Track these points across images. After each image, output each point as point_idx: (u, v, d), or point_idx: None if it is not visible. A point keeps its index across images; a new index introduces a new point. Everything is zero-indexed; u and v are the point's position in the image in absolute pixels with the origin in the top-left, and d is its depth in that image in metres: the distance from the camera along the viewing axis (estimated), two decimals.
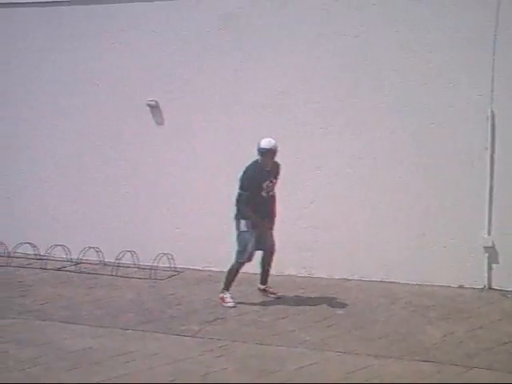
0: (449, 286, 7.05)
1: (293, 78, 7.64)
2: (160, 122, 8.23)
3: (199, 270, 7.86)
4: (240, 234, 6.39)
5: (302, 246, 7.68)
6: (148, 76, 8.20)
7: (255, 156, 7.60)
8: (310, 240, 7.66)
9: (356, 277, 7.45)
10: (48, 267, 7.80)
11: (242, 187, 6.32)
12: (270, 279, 6.91)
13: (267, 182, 6.33)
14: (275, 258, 7.65)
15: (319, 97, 7.54)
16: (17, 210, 8.76)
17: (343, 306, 6.39)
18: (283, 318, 5.95)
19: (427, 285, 7.11)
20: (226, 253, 7.81)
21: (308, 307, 6.32)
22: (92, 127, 8.46)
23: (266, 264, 6.71)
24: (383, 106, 7.36)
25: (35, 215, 8.55)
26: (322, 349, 5.10)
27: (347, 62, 7.45)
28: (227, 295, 6.39)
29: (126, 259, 7.87)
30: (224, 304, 6.32)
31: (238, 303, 6.44)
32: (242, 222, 6.37)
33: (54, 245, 8.02)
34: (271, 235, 6.57)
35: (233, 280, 6.49)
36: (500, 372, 4.61)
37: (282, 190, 7.64)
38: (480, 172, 7.04)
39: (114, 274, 7.54)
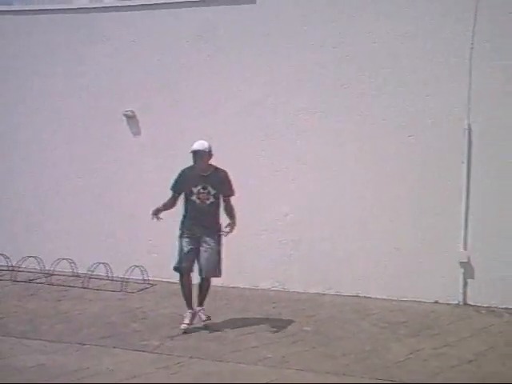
0: (424, 302, 6.91)
1: (269, 87, 7.58)
2: (137, 132, 8.17)
3: (172, 283, 7.70)
4: None
5: (277, 260, 7.58)
6: (126, 86, 8.16)
7: (234, 164, 7.59)
8: (285, 253, 7.56)
9: (332, 291, 7.33)
10: (19, 279, 7.70)
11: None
12: (236, 293, 6.78)
13: (199, 188, 5.97)
14: (249, 270, 7.63)
15: (294, 107, 7.47)
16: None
17: (312, 321, 6.25)
18: (248, 334, 5.80)
19: (402, 300, 6.98)
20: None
21: (276, 323, 6.17)
22: (69, 136, 8.41)
23: (199, 288, 6.15)
24: (359, 117, 7.27)
25: (8, 225, 8.46)
26: (281, 366, 4.95)
27: (325, 72, 7.38)
28: (186, 314, 6.01)
29: (100, 271, 7.78)
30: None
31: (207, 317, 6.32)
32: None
33: (26, 256, 7.92)
34: (210, 255, 5.94)
35: (184, 295, 6.05)
36: None
37: (256, 202, 7.62)
38: (456, 186, 6.92)
39: (85, 286, 7.44)
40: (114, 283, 7.57)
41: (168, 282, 7.72)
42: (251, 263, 7.64)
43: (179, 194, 6.12)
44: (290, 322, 6.23)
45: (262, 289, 7.53)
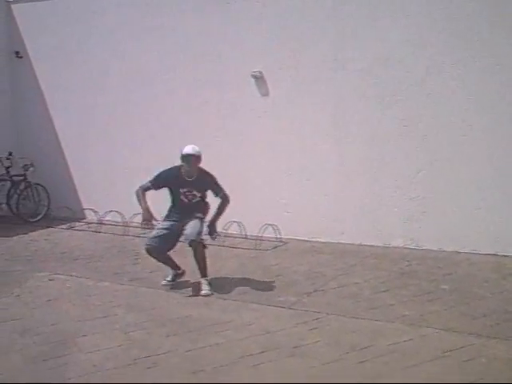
0: None
1: (396, 42, 7.32)
2: (265, 92, 8.24)
3: (304, 241, 7.89)
4: None
5: (410, 217, 7.45)
6: (253, 47, 8.23)
7: (361, 121, 7.47)
8: (418, 211, 7.40)
9: (467, 249, 7.10)
10: None
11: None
12: (369, 251, 6.86)
13: (185, 190, 6.04)
14: (381, 228, 7.57)
15: (424, 62, 7.16)
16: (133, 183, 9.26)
17: (449, 280, 6.12)
18: (384, 292, 5.80)
19: None
20: (330, 223, 7.84)
21: (411, 281, 6.12)
22: (198, 99, 8.67)
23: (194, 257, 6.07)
24: (504, 79, 6.82)
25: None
26: (419, 325, 4.91)
27: (457, 24, 6.97)
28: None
29: (233, 229, 8.06)
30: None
31: (341, 275, 6.38)
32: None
33: None
34: (193, 224, 5.97)
35: (167, 263, 6.24)
36: None
37: (387, 158, 7.49)
38: None
39: (221, 244, 7.75)
40: (248, 241, 7.85)
41: (300, 240, 7.91)
42: (383, 221, 7.57)
43: (155, 189, 6.12)
44: (425, 279, 6.14)
45: (394, 246, 7.46)
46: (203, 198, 6.21)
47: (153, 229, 6.07)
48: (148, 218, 5.99)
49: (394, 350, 4.43)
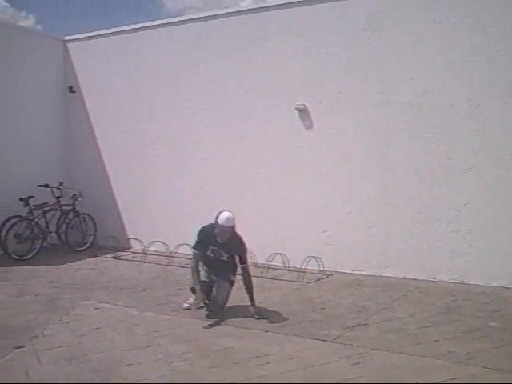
0: None
1: (441, 75, 7.33)
2: (309, 125, 8.32)
3: (348, 274, 7.84)
4: None
5: (456, 251, 7.34)
6: (296, 80, 8.35)
7: (404, 154, 7.43)
8: (464, 244, 7.29)
9: None
10: None
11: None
12: (413, 285, 6.83)
13: (213, 248, 6.16)
14: (426, 262, 7.48)
15: (468, 95, 7.14)
16: (176, 214, 9.44)
17: (497, 317, 5.96)
18: (429, 327, 5.70)
19: None
20: (374, 256, 7.78)
21: (457, 317, 5.99)
22: (242, 133, 8.81)
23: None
24: None
25: (192, 219, 9.07)
26: (466, 363, 4.79)
27: (502, 57, 6.94)
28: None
29: (277, 261, 8.09)
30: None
31: (384, 309, 6.30)
32: None
33: None
34: (224, 290, 6.21)
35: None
36: None
37: (432, 192, 7.42)
38: None
39: (264, 275, 7.78)
40: (291, 273, 7.84)
41: (344, 272, 7.87)
42: (428, 254, 7.48)
43: (201, 251, 6.24)
44: (472, 316, 6.01)
45: (439, 281, 7.35)
46: (229, 259, 6.30)
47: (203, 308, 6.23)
48: (201, 299, 6.11)
49: None
